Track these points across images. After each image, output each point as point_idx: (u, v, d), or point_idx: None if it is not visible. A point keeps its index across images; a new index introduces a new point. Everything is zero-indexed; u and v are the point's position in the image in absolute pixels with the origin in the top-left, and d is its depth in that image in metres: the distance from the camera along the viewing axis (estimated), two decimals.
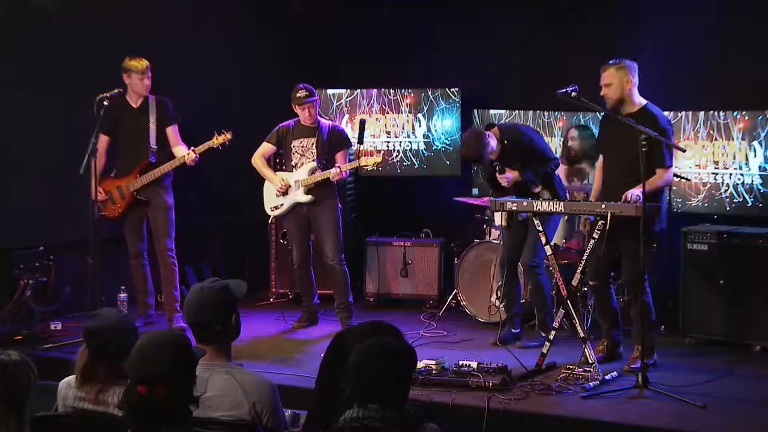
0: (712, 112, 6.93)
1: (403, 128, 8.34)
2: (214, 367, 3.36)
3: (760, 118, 6.73)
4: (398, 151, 8.35)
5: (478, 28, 8.37)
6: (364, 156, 7.04)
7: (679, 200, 7.01)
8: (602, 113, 6.00)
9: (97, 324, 3.51)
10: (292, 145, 6.86)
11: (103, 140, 6.75)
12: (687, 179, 6.93)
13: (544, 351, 5.69)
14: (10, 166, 6.84)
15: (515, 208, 5.93)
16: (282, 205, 6.92)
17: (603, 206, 5.44)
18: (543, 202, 5.74)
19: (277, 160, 7.38)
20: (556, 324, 5.74)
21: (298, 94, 6.72)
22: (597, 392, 5.20)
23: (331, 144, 6.84)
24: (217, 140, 6.69)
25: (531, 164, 6.29)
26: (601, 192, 5.91)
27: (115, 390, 3.38)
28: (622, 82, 5.64)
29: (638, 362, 5.39)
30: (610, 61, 5.71)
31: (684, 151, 6.41)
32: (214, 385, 3.32)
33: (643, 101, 5.73)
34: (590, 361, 5.48)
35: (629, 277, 5.78)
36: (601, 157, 6.05)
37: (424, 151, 8.31)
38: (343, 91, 8.37)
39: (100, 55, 7.15)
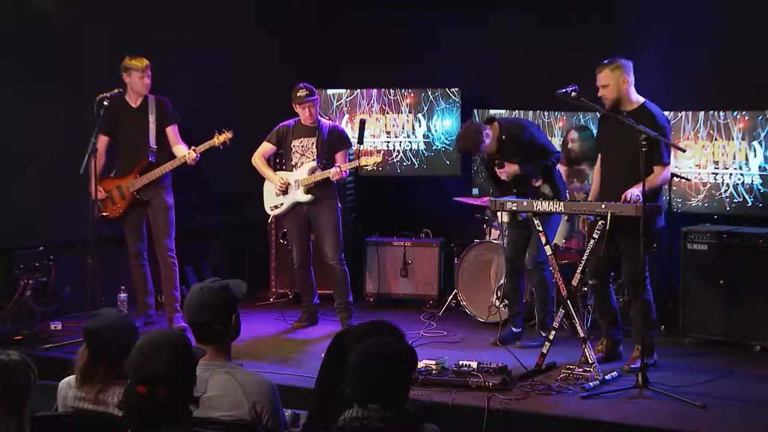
0: (712, 112, 6.93)
1: (403, 128, 8.34)
2: (214, 367, 3.36)
3: (760, 118, 6.73)
4: (398, 151, 8.35)
5: (478, 28, 8.37)
6: (364, 156, 7.04)
7: (679, 200, 7.01)
8: (600, 114, 6.01)
9: (97, 324, 3.51)
10: (292, 145, 6.86)
11: (103, 140, 6.75)
12: (687, 179, 6.93)
13: (544, 351, 5.69)
14: (10, 166, 6.84)
15: (515, 208, 5.93)
16: (282, 204, 6.92)
17: (603, 206, 5.44)
18: (543, 202, 5.74)
19: (277, 160, 7.38)
20: (556, 324, 5.74)
21: (298, 94, 6.72)
22: (597, 392, 5.20)
23: (332, 144, 6.84)
24: (218, 139, 6.69)
25: (531, 158, 6.30)
26: (600, 191, 5.91)
27: (115, 390, 3.38)
28: (618, 82, 5.64)
29: (638, 362, 5.39)
30: (605, 61, 5.70)
31: (684, 151, 6.42)
32: (214, 385, 3.32)
33: (641, 99, 5.73)
34: (590, 361, 5.48)
35: (629, 276, 5.78)
36: (599, 156, 6.05)
37: (424, 151, 8.31)
38: (343, 91, 8.37)
39: (100, 55, 7.14)
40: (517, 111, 7.68)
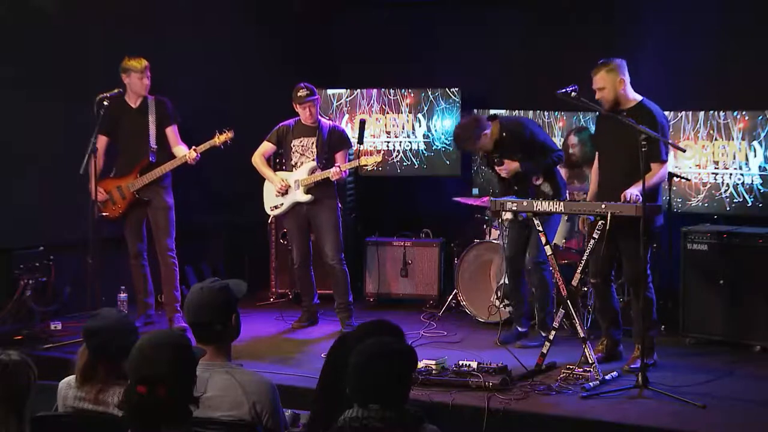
0: (712, 112, 6.94)
1: (403, 128, 8.34)
2: (214, 367, 3.36)
3: (760, 118, 6.73)
4: (398, 151, 8.35)
5: (478, 28, 8.37)
6: (364, 156, 7.04)
7: (679, 200, 7.01)
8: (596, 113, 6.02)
9: (97, 324, 3.51)
10: (292, 145, 6.86)
11: (102, 140, 6.74)
12: (687, 179, 6.93)
13: (544, 351, 5.69)
14: (10, 166, 6.84)
15: (515, 208, 5.93)
16: (282, 204, 6.92)
17: (603, 206, 5.44)
18: (543, 202, 5.74)
19: (277, 160, 7.38)
20: (556, 324, 5.74)
21: (299, 93, 6.72)
22: (597, 392, 5.20)
23: (332, 144, 6.84)
24: (219, 139, 6.69)
25: (532, 156, 6.30)
26: (598, 191, 5.91)
27: (115, 390, 3.38)
28: (614, 84, 5.64)
29: (638, 362, 5.39)
30: (599, 62, 5.70)
31: (684, 151, 6.42)
32: (214, 385, 3.32)
33: (639, 97, 5.73)
34: (590, 361, 5.48)
35: (630, 276, 5.78)
36: (597, 155, 6.05)
37: (424, 151, 8.31)
38: (343, 91, 8.37)
39: (100, 55, 7.14)
40: (517, 111, 7.67)
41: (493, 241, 7.14)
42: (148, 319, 6.98)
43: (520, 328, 6.54)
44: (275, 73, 8.10)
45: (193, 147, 6.69)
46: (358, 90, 8.36)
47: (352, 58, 8.70)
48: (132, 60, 6.66)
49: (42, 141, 6.91)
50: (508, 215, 6.38)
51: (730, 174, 6.88)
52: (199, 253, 8.24)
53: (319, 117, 6.89)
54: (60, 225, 6.99)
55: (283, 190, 6.84)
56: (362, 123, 7.31)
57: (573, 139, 7.13)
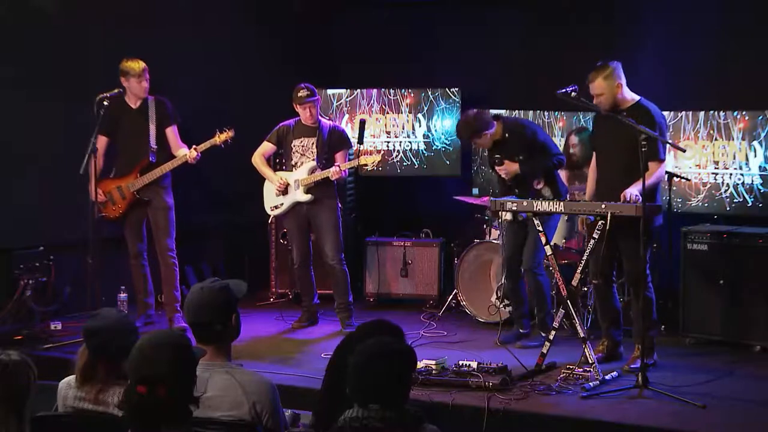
0: (712, 112, 6.93)
1: (403, 128, 8.34)
2: (214, 367, 3.36)
3: (760, 118, 6.73)
4: (398, 151, 8.35)
5: (478, 28, 8.37)
6: (364, 156, 7.04)
7: (679, 200, 7.01)
8: (593, 113, 6.02)
9: (97, 324, 3.51)
10: (292, 145, 6.86)
11: (102, 141, 6.74)
12: (687, 179, 6.93)
13: (544, 351, 5.69)
14: (10, 166, 6.84)
15: (515, 208, 5.93)
16: (282, 204, 6.92)
17: (603, 206, 5.44)
18: (543, 202, 5.74)
19: (277, 160, 7.38)
20: (556, 324, 5.74)
21: (299, 94, 6.72)
22: (597, 392, 5.20)
23: (332, 144, 6.84)
24: (220, 138, 6.69)
25: (533, 157, 6.30)
26: (596, 190, 5.91)
27: (115, 390, 3.38)
28: (612, 89, 5.65)
29: (638, 362, 5.39)
30: (597, 65, 5.69)
31: (684, 151, 6.42)
32: (214, 385, 3.32)
33: (636, 96, 5.74)
34: (590, 361, 5.48)
35: (630, 276, 5.78)
36: (594, 154, 6.05)
37: (424, 151, 8.31)
38: (343, 91, 8.37)
39: (100, 55, 7.14)
40: (517, 111, 7.67)
41: (493, 241, 7.13)
42: (148, 319, 6.98)
43: (521, 330, 6.54)
44: (275, 73, 8.10)
45: (194, 146, 6.69)
46: (358, 90, 8.36)
47: (352, 58, 8.70)
48: (130, 62, 6.65)
49: (42, 141, 6.91)
50: (507, 216, 6.39)
51: (730, 174, 6.88)
52: (199, 253, 8.24)
53: (320, 117, 6.89)
54: (60, 225, 6.99)
55: (282, 188, 6.84)
56: (362, 123, 7.32)
57: (574, 139, 7.13)
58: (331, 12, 8.85)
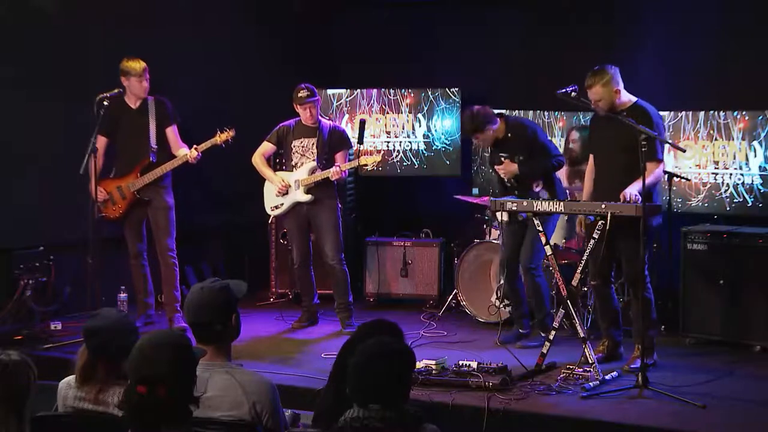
0: (712, 112, 6.93)
1: (403, 128, 8.34)
2: (214, 367, 3.36)
3: (760, 118, 6.73)
4: (398, 151, 8.35)
5: (478, 28, 8.37)
6: (364, 156, 7.04)
7: (679, 200, 7.01)
8: (592, 113, 6.03)
9: (97, 324, 3.51)
10: (292, 145, 6.86)
11: (102, 141, 6.74)
12: (687, 179, 6.93)
13: (544, 351, 5.69)
14: (10, 166, 6.83)
15: (515, 208, 5.93)
16: (282, 204, 6.92)
17: (603, 206, 5.44)
18: (543, 202, 5.74)
19: (277, 160, 7.38)
20: (556, 324, 5.74)
21: (299, 94, 6.72)
22: (597, 392, 5.20)
23: (332, 144, 6.85)
24: (221, 138, 6.69)
25: (533, 158, 6.30)
26: (594, 191, 5.91)
27: (115, 390, 3.38)
28: (610, 94, 5.65)
29: (638, 362, 5.39)
30: (595, 68, 5.67)
31: (684, 151, 6.42)
32: (214, 385, 3.32)
33: (633, 98, 5.74)
34: (590, 361, 5.48)
35: (630, 276, 5.78)
36: (591, 157, 6.05)
37: (424, 151, 8.31)
38: (343, 91, 8.37)
39: (100, 55, 7.14)
40: (517, 111, 7.67)
41: (493, 241, 7.13)
42: (148, 319, 6.98)
43: (521, 330, 6.54)
44: (275, 73, 8.10)
45: (195, 146, 6.69)
46: (358, 90, 8.36)
47: (352, 58, 8.70)
48: (130, 61, 6.66)
49: (42, 141, 6.90)
50: (504, 216, 6.40)
51: (730, 174, 6.88)
52: (200, 253, 8.24)
53: (320, 117, 6.89)
54: (60, 225, 6.99)
55: (284, 190, 6.84)
56: (362, 123, 7.31)
57: (574, 135, 7.14)
58: (331, 12, 8.85)
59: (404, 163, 8.35)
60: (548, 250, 5.78)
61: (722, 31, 7.25)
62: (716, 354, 6.18)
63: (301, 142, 6.84)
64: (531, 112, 7.70)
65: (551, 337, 5.72)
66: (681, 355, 6.15)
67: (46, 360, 5.76)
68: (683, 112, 7.06)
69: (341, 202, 7.15)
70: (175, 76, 7.36)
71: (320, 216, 6.83)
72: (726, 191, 6.90)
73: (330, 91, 8.35)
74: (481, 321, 7.08)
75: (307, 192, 6.80)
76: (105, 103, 6.53)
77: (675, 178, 6.76)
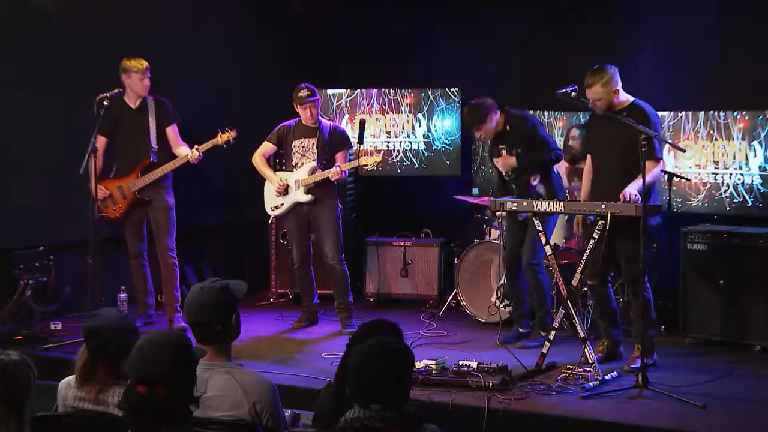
0: (712, 112, 6.93)
1: (403, 128, 8.34)
2: (214, 367, 3.36)
3: (760, 118, 6.73)
4: (398, 151, 8.35)
5: (478, 28, 8.37)
6: (364, 156, 7.04)
7: (679, 200, 7.00)
8: (589, 113, 6.03)
9: (97, 324, 3.51)
10: (292, 145, 6.87)
11: (102, 141, 6.73)
12: (687, 179, 6.93)
13: (544, 351, 5.69)
14: (10, 166, 6.83)
15: (515, 208, 5.93)
16: (282, 204, 6.92)
17: (603, 206, 5.44)
18: (543, 202, 5.74)
19: (278, 160, 7.38)
20: (556, 324, 5.74)
21: (299, 94, 6.72)
22: (597, 392, 5.20)
23: (332, 144, 6.85)
24: (222, 138, 6.69)
25: (532, 151, 6.30)
26: (592, 191, 5.91)
27: (115, 390, 3.38)
28: (609, 94, 5.66)
29: (638, 362, 5.39)
30: (594, 68, 5.67)
31: (684, 151, 6.42)
32: (214, 385, 3.32)
33: (630, 97, 5.74)
34: (590, 361, 5.48)
35: (629, 276, 5.78)
36: (588, 157, 6.05)
37: (424, 151, 8.31)
38: (343, 91, 8.37)
39: (100, 55, 7.14)
40: None
41: (493, 241, 7.13)
42: (148, 319, 6.98)
43: (521, 330, 6.54)
44: (275, 73, 8.10)
45: (196, 146, 6.69)
46: (358, 90, 8.36)
47: (352, 58, 8.70)
48: (132, 60, 6.67)
49: (42, 141, 6.91)
50: (504, 213, 6.40)
51: (730, 174, 6.88)
52: (200, 253, 8.24)
53: (320, 117, 6.89)
54: (60, 225, 6.99)
55: (282, 189, 6.84)
56: (362, 123, 7.32)
57: (574, 132, 7.14)
58: (331, 12, 8.86)
59: (404, 163, 8.35)
60: (548, 250, 5.78)
61: (722, 31, 7.25)
62: (716, 354, 6.18)
63: (302, 142, 6.84)
64: (531, 112, 7.68)
65: (551, 337, 5.72)
66: (681, 355, 6.15)
67: (46, 360, 5.76)
68: (683, 112, 7.05)
69: (341, 202, 7.16)
70: (175, 76, 7.36)
71: (320, 216, 6.83)
72: (726, 191, 6.90)
73: (330, 91, 8.35)
74: (481, 321, 7.08)
75: (308, 192, 6.80)
76: (105, 103, 6.53)
77: (675, 178, 6.75)
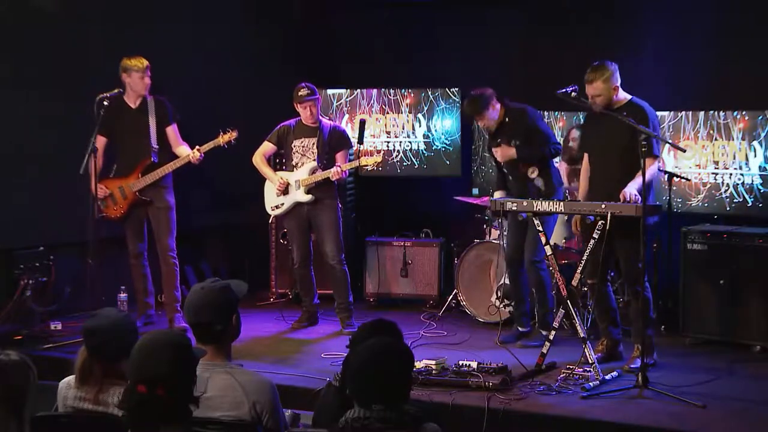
0: (712, 112, 6.93)
1: (403, 128, 8.34)
2: (214, 367, 3.36)
3: (760, 118, 6.72)
4: (398, 151, 8.35)
5: (478, 28, 8.37)
6: (364, 156, 7.04)
7: (679, 200, 7.00)
8: (585, 113, 6.04)
9: (97, 323, 3.51)
10: (292, 145, 6.87)
11: (102, 141, 6.73)
12: (687, 179, 6.93)
13: (544, 351, 5.69)
14: (10, 166, 6.84)
15: (515, 208, 5.93)
16: (282, 204, 6.92)
17: (603, 206, 5.44)
18: (543, 202, 5.74)
19: (278, 160, 7.38)
20: (556, 324, 5.74)
21: (299, 93, 6.72)
22: (597, 392, 5.20)
23: (332, 144, 6.85)
24: (223, 139, 6.69)
25: (531, 143, 6.30)
26: (590, 190, 5.91)
27: (115, 390, 3.38)
28: (609, 91, 5.67)
29: (638, 362, 5.39)
30: (594, 64, 5.68)
31: (684, 151, 6.42)
32: (214, 385, 3.32)
33: (628, 95, 5.75)
34: (590, 361, 5.48)
35: (628, 276, 5.78)
36: (585, 156, 6.05)
37: (424, 151, 8.31)
38: (343, 91, 8.37)
39: (100, 55, 7.14)
40: None
41: (493, 241, 7.13)
42: (148, 319, 6.98)
43: (521, 329, 6.54)
44: (275, 73, 8.10)
45: (197, 147, 6.69)
46: (358, 90, 8.36)
47: (352, 58, 8.70)
48: (133, 59, 6.67)
49: (42, 141, 6.91)
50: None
51: (730, 174, 6.88)
52: (200, 253, 8.24)
53: (320, 117, 6.89)
54: (60, 225, 6.99)
55: (282, 188, 6.84)
56: (362, 123, 7.32)
57: (574, 133, 7.13)
58: (331, 12, 8.85)
59: (404, 163, 8.35)
60: (548, 250, 5.79)
61: (722, 31, 7.24)
62: (716, 354, 6.18)
63: (302, 142, 6.84)
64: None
65: (551, 337, 5.72)
66: (681, 355, 6.15)
67: (46, 360, 5.77)
68: (683, 112, 7.05)
69: (341, 202, 7.16)
70: (175, 76, 7.36)
71: (321, 216, 6.83)
72: (726, 191, 6.90)
73: (330, 91, 8.35)
74: (481, 321, 7.08)
75: (308, 192, 6.80)
76: (105, 103, 6.53)
77: (675, 178, 6.76)
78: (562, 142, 7.25)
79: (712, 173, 6.96)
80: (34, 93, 6.88)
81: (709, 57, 7.24)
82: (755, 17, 7.16)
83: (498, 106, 6.37)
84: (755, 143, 6.74)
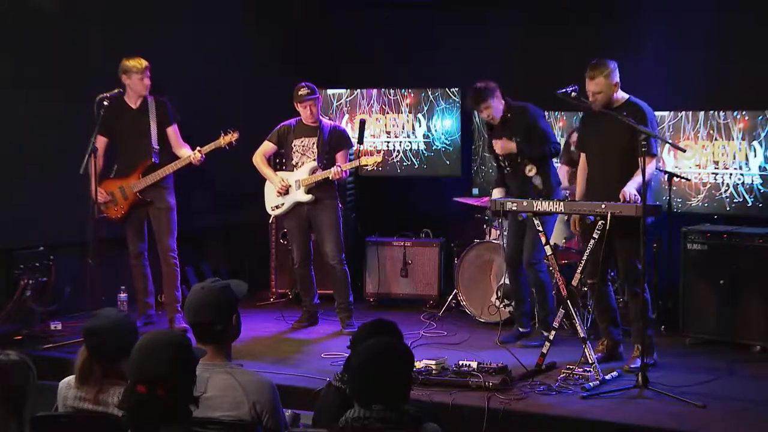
0: (712, 112, 6.93)
1: (403, 128, 8.34)
2: (214, 367, 3.36)
3: (760, 118, 6.73)
4: (398, 151, 8.35)
5: (478, 28, 8.37)
6: (364, 156, 7.04)
7: (679, 200, 7.01)
8: (583, 113, 6.04)
9: (97, 323, 3.51)
10: (293, 145, 6.87)
11: (102, 141, 6.73)
12: (687, 179, 6.93)
13: (544, 351, 5.69)
14: (10, 166, 6.84)
15: (515, 208, 5.93)
16: (282, 204, 6.92)
17: (603, 206, 5.44)
18: (543, 202, 5.74)
19: (278, 160, 7.38)
20: (556, 324, 5.74)
21: (299, 92, 6.72)
22: (597, 392, 5.20)
23: (332, 144, 6.85)
24: (224, 140, 6.69)
25: (531, 141, 6.29)
26: (588, 189, 5.91)
27: (115, 390, 3.38)
28: (609, 88, 5.67)
29: (638, 362, 5.39)
30: (595, 62, 5.68)
31: (684, 151, 6.42)
32: (214, 385, 3.32)
33: (626, 95, 5.75)
34: (590, 361, 5.48)
35: (627, 275, 5.77)
36: (582, 155, 6.05)
37: (424, 151, 8.31)
38: (343, 91, 8.37)
39: (100, 55, 7.14)
40: None
41: (494, 241, 7.14)
42: (149, 320, 6.98)
43: (521, 329, 6.54)
44: (275, 73, 8.10)
45: (198, 148, 6.69)
46: (358, 90, 8.36)
47: (352, 58, 8.70)
48: (132, 60, 6.67)
49: (42, 141, 6.91)
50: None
51: (730, 174, 6.88)
52: (200, 254, 8.24)
53: (320, 117, 6.89)
54: (60, 225, 6.99)
55: (283, 190, 6.84)
56: (362, 123, 7.32)
57: (575, 137, 7.13)
58: (331, 12, 8.85)
59: (404, 163, 8.35)
60: (548, 250, 5.79)
61: (722, 31, 7.25)
62: (716, 354, 6.18)
63: (302, 142, 6.84)
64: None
65: (551, 337, 5.72)
66: (681, 355, 6.15)
67: (46, 360, 5.77)
68: (683, 112, 7.05)
69: (341, 202, 7.15)
70: (175, 76, 7.36)
71: (321, 216, 6.83)
72: (726, 191, 6.90)
73: (330, 91, 8.35)
74: (481, 321, 7.08)
75: (308, 192, 6.80)
76: (105, 103, 6.53)
77: (675, 178, 6.76)
78: (562, 144, 7.26)
79: (712, 173, 6.97)
80: (34, 93, 6.89)
81: (709, 57, 7.24)
82: (755, 17, 7.16)
83: (500, 96, 6.36)
84: (755, 143, 6.75)
